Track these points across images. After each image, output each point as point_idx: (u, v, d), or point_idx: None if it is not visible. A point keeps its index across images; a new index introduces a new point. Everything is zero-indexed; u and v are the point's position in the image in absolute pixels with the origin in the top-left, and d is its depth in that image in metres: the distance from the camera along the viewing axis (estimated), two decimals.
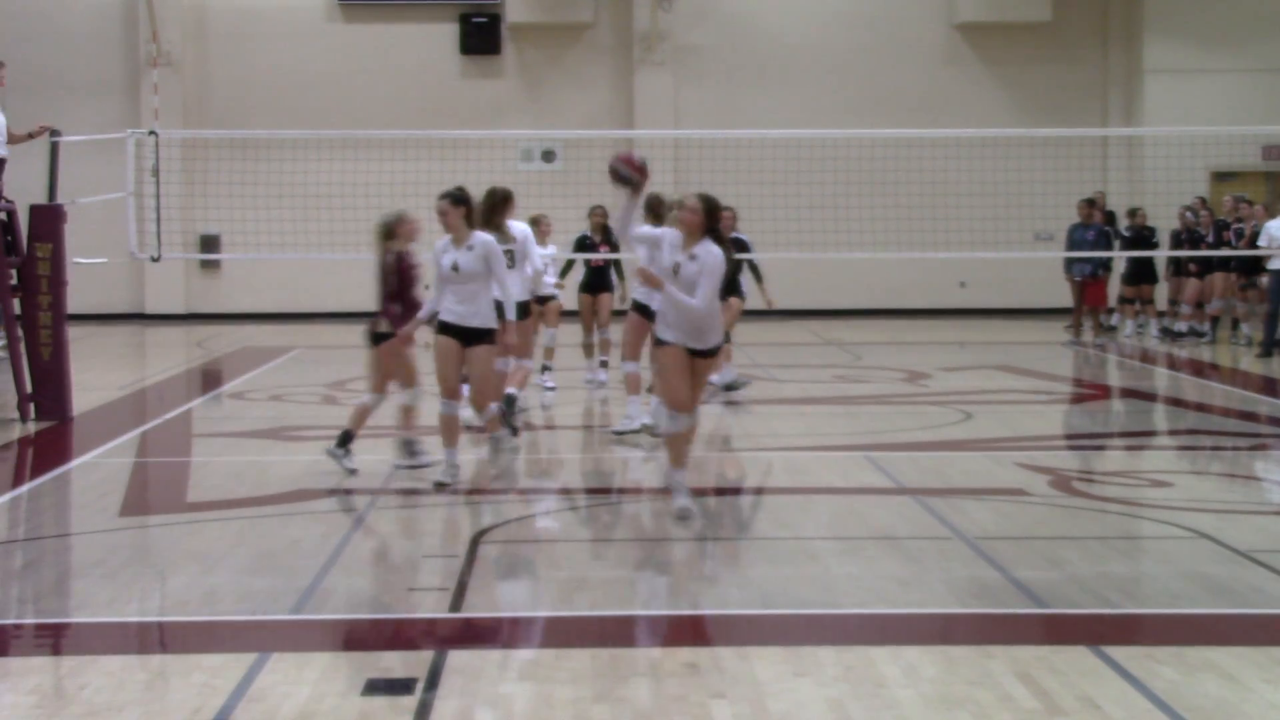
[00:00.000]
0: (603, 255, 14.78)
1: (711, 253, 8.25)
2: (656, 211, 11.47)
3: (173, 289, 25.39)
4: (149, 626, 6.52)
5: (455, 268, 9.32)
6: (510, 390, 11.22)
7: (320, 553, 7.62)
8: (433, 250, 9.50)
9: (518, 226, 11.48)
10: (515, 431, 10.90)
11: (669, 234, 8.41)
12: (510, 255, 11.30)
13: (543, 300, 13.86)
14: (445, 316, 9.41)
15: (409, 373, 10.07)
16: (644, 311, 11.39)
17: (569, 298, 15.08)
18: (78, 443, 11.73)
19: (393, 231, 9.93)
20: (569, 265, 15.19)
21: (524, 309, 11.44)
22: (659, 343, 8.46)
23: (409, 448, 10.09)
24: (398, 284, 9.84)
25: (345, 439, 9.84)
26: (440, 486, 9.33)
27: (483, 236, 9.47)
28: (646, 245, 8.70)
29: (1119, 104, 25.78)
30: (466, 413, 10.25)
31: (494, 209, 11.20)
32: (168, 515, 8.91)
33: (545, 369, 14.44)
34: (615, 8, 25.54)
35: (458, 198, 9.44)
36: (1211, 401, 14.09)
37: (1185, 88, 24.82)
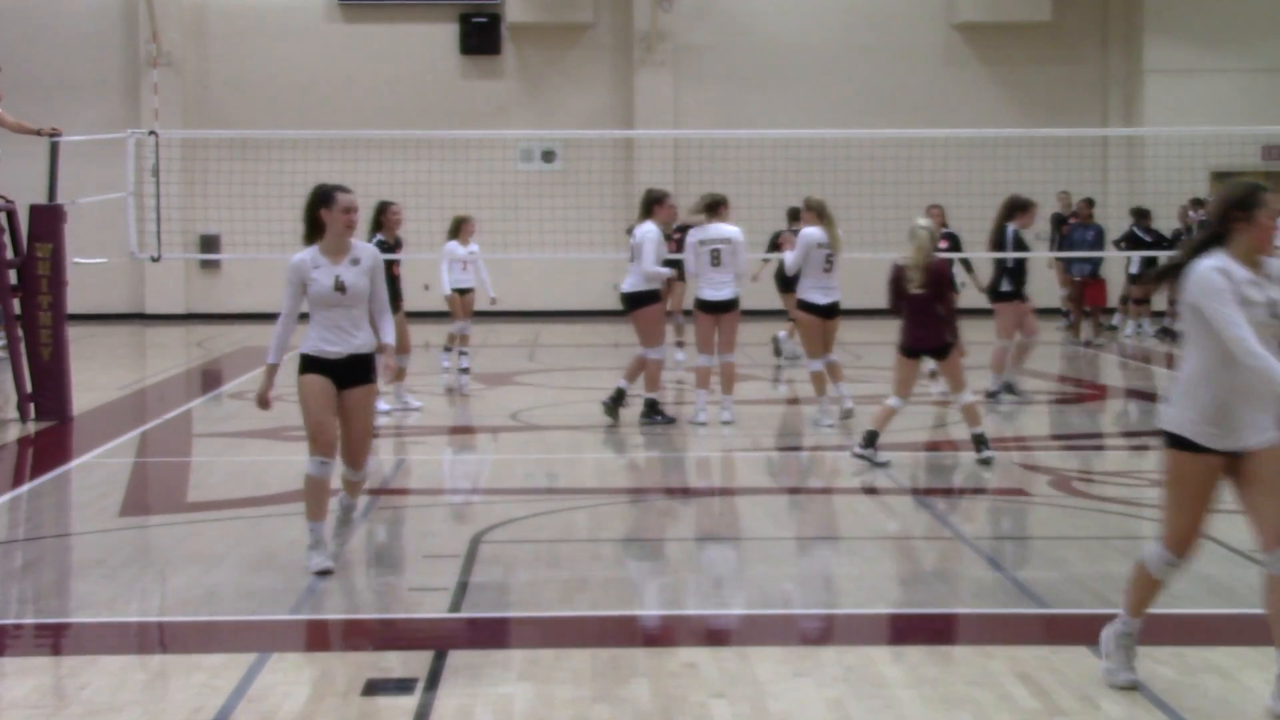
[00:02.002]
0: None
1: None
2: (715, 206, 12.06)
3: (173, 289, 25.40)
4: (149, 626, 6.52)
5: (340, 287, 7.18)
6: (650, 395, 12.18)
7: None
8: (291, 268, 7.28)
9: (639, 226, 12.20)
10: (669, 420, 12.15)
11: (1226, 267, 5.11)
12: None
13: (462, 292, 15.01)
14: (313, 349, 7.39)
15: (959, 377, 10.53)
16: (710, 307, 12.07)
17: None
18: (78, 443, 11.73)
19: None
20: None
21: (648, 297, 12.09)
22: (1183, 445, 5.21)
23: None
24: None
25: (871, 439, 10.13)
26: (324, 575, 7.13)
27: (367, 246, 7.34)
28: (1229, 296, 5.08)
29: (1119, 104, 25.78)
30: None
31: (648, 208, 12.11)
32: (168, 515, 8.91)
33: (447, 349, 15.41)
34: (615, 8, 25.54)
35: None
36: None
37: (1185, 88, 24.82)
